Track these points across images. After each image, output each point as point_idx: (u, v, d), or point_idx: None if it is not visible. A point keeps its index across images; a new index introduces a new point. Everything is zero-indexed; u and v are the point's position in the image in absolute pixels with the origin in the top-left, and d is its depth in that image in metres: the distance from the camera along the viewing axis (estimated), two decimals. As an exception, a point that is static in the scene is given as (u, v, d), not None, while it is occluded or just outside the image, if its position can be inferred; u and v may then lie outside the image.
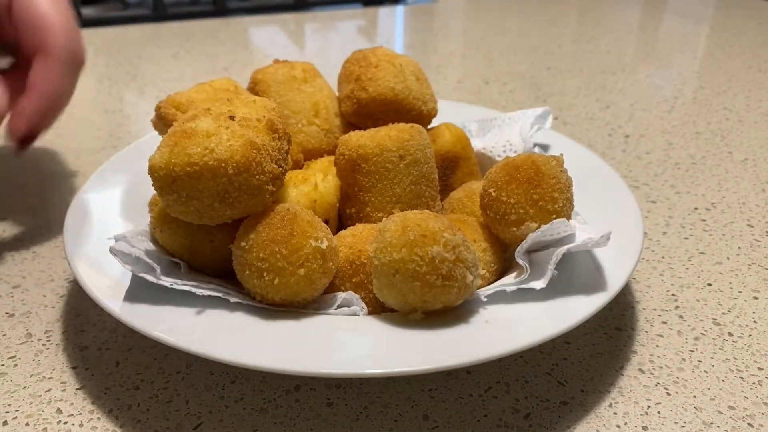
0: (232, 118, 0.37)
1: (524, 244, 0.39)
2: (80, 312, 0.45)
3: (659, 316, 0.45)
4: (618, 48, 1.07)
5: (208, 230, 0.39)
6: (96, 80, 0.89)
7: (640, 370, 0.40)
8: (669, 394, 0.38)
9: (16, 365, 0.40)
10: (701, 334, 0.44)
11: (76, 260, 0.39)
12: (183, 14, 1.48)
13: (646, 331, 0.43)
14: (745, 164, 0.68)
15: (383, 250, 0.35)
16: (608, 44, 1.09)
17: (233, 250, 0.37)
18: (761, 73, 0.96)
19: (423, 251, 0.34)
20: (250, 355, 0.33)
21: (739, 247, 0.53)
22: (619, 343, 0.42)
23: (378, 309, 0.38)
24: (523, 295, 0.37)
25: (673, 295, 0.47)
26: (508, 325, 0.35)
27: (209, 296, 0.37)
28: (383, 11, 1.31)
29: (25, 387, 0.38)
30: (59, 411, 0.37)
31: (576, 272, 0.39)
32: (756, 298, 0.47)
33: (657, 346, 0.42)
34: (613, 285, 0.38)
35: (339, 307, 0.37)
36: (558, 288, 0.37)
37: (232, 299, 0.36)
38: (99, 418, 0.36)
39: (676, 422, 0.36)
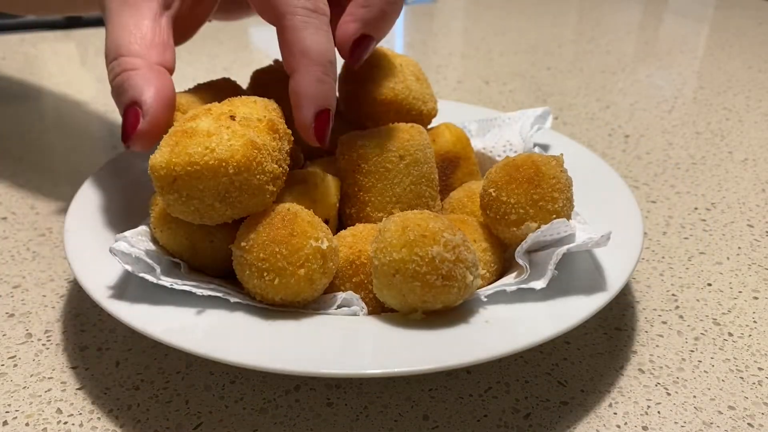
0: (232, 117, 0.37)
1: (524, 244, 0.39)
2: (80, 312, 0.45)
3: (659, 316, 0.45)
4: (618, 48, 1.07)
5: (208, 230, 0.39)
6: (96, 80, 0.89)
7: (640, 370, 0.40)
8: (669, 394, 0.38)
9: (16, 365, 0.40)
10: (701, 334, 0.44)
11: (76, 260, 0.39)
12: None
13: (646, 331, 0.43)
14: (745, 164, 0.68)
15: (383, 250, 0.35)
16: (608, 44, 1.09)
17: (233, 250, 0.37)
18: (761, 73, 0.96)
19: (423, 251, 0.34)
20: (250, 355, 0.33)
21: (739, 247, 0.53)
22: (619, 343, 0.42)
23: (378, 309, 0.38)
24: (523, 295, 0.37)
25: (673, 295, 0.47)
26: (508, 325, 0.35)
27: (209, 296, 0.37)
28: (383, 11, 1.31)
29: (25, 387, 0.38)
30: (59, 411, 0.37)
31: (576, 272, 0.39)
32: (756, 298, 0.47)
33: (657, 346, 0.42)
34: (613, 285, 0.38)
35: (339, 307, 0.37)
36: (558, 288, 0.37)
37: (232, 299, 0.36)
38: (99, 418, 0.36)
39: (676, 422, 0.36)
